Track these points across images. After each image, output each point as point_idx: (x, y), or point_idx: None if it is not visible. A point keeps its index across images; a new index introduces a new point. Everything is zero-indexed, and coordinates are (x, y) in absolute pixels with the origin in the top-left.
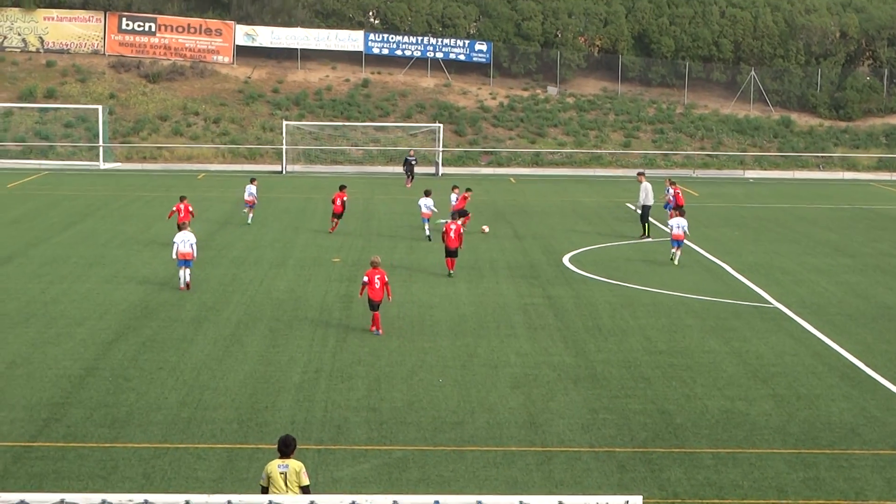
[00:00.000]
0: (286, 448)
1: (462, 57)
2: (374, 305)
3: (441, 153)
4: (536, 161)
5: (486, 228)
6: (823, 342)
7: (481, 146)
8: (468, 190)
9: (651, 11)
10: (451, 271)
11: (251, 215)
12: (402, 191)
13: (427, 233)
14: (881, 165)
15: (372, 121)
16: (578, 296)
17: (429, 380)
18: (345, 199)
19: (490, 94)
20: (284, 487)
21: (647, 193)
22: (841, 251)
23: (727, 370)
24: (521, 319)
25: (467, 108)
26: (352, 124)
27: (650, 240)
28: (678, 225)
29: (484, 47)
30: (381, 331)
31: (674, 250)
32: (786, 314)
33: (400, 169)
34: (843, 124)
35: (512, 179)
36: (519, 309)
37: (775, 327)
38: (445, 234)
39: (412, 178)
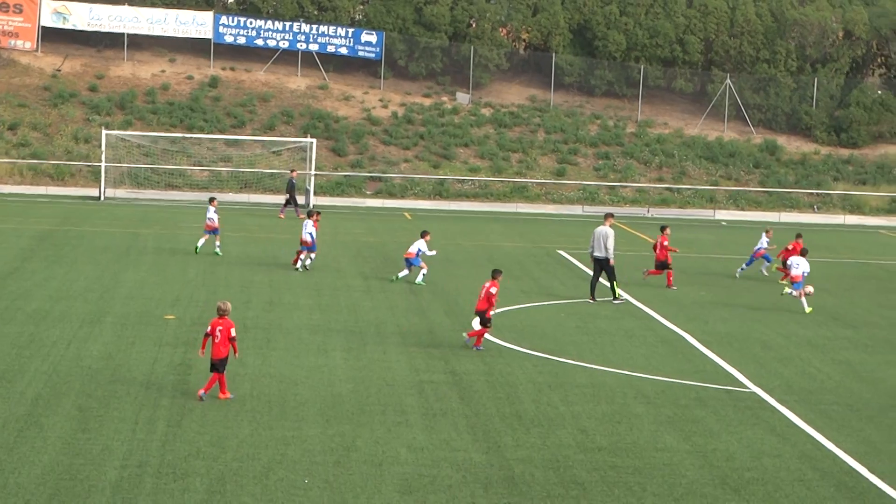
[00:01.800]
0: None
1: (344, 50)
2: (212, 365)
3: (313, 178)
4: (440, 192)
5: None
6: (815, 440)
7: (367, 170)
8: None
9: None
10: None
11: (217, 243)
12: (264, 226)
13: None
14: (894, 208)
15: (222, 133)
16: (492, 372)
17: (290, 480)
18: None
19: (380, 100)
20: None
21: (606, 240)
22: (840, 320)
23: (687, 474)
24: (416, 402)
25: (349, 118)
26: (195, 136)
27: (592, 302)
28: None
29: (373, 39)
30: (227, 394)
31: (795, 294)
32: (766, 402)
33: (268, 197)
34: (845, 152)
35: (407, 215)
36: (413, 388)
37: (752, 419)
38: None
39: (295, 205)
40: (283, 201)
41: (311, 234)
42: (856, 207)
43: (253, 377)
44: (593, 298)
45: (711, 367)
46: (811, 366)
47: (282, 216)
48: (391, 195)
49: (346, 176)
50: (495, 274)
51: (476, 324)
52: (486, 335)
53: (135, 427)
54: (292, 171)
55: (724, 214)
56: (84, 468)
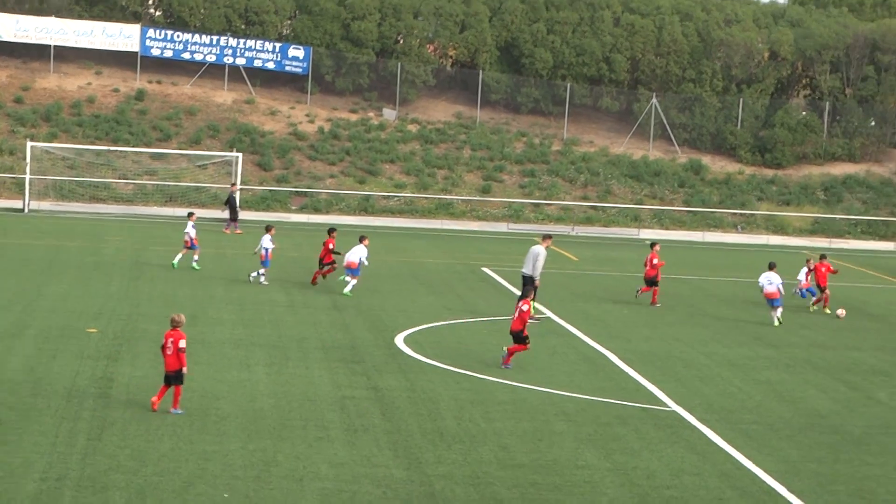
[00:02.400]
0: None
1: (271, 65)
2: (166, 378)
3: (238, 192)
4: (366, 207)
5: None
6: (734, 459)
7: (293, 185)
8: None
9: (523, 15)
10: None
11: (196, 258)
12: (181, 241)
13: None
14: (817, 229)
15: (147, 146)
16: (414, 388)
17: (210, 495)
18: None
19: (307, 115)
20: None
21: (536, 260)
22: (761, 340)
23: (607, 492)
24: (338, 418)
25: (276, 133)
26: (120, 149)
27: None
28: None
29: (300, 53)
30: (178, 409)
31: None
32: (687, 421)
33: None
34: (769, 172)
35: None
36: (335, 403)
37: (672, 437)
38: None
39: (233, 220)
40: (227, 216)
41: (265, 248)
42: (779, 228)
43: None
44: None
45: (633, 385)
46: (732, 385)
47: (227, 231)
48: (316, 210)
49: (271, 191)
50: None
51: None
52: (408, 351)
53: (55, 440)
54: (233, 185)
55: (648, 233)
56: (2, 481)
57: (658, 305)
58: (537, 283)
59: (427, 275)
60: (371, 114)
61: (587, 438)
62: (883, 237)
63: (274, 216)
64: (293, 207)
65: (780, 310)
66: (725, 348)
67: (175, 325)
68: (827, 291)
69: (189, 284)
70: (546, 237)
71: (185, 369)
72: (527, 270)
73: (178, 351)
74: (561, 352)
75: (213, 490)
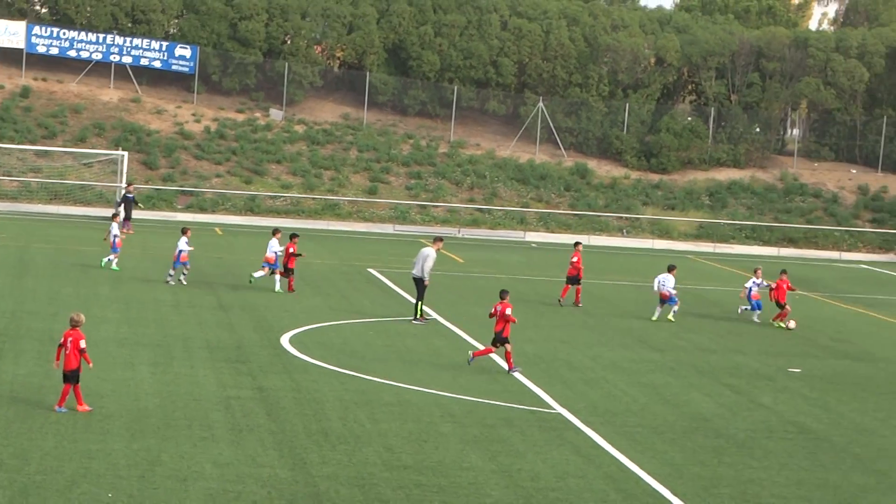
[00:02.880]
0: None
1: (157, 64)
2: (64, 376)
3: (124, 190)
4: (252, 207)
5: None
6: (619, 461)
7: (178, 184)
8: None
9: (411, 17)
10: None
11: (114, 259)
12: (66, 238)
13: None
14: (702, 233)
15: (32, 143)
16: (300, 388)
17: (94, 494)
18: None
19: (193, 115)
20: None
21: (426, 261)
22: (647, 343)
23: (492, 494)
24: (223, 417)
25: (162, 132)
26: (4, 146)
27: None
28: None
29: (187, 53)
30: (84, 406)
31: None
32: (571, 423)
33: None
34: (655, 177)
35: (218, 230)
36: (220, 403)
37: (557, 440)
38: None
39: (127, 219)
40: (126, 216)
41: (181, 250)
42: (664, 232)
43: (57, 390)
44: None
45: (518, 387)
46: (617, 388)
47: (131, 231)
48: (202, 210)
49: (157, 189)
50: (504, 295)
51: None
52: (293, 351)
53: None
54: (128, 184)
55: (533, 236)
56: None
57: (581, 305)
58: (426, 282)
59: (313, 275)
60: (258, 114)
61: (472, 440)
62: (766, 242)
63: (160, 215)
64: (179, 206)
65: (675, 308)
66: (610, 351)
67: (74, 324)
68: (787, 307)
69: (74, 283)
70: (437, 239)
71: (91, 365)
72: (416, 272)
73: (80, 351)
74: (446, 353)
75: (97, 489)
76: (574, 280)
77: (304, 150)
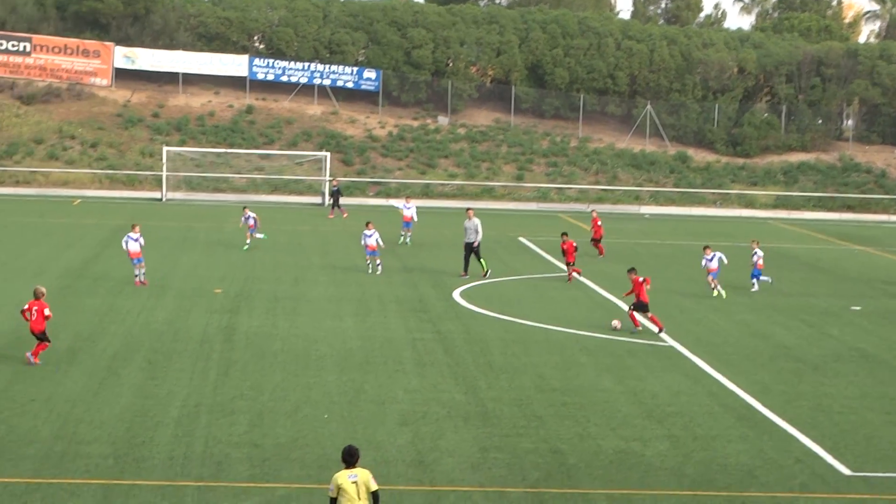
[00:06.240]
0: (351, 458)
1: (350, 84)
2: (36, 336)
3: (328, 183)
4: (427, 193)
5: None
6: (719, 382)
7: (369, 176)
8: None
9: (545, 42)
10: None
11: (249, 240)
12: (292, 220)
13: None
14: (778, 203)
15: (256, 148)
16: (469, 331)
17: (314, 416)
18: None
19: (379, 122)
20: (357, 497)
21: (476, 231)
22: (737, 289)
23: (621, 409)
24: (410, 355)
25: (355, 136)
26: (235, 151)
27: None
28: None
29: (373, 75)
30: (36, 360)
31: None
32: (681, 353)
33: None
34: (740, 161)
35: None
36: (407, 344)
37: (670, 366)
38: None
39: (338, 207)
40: (333, 204)
41: (377, 240)
42: (749, 203)
43: (283, 336)
44: (466, 273)
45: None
46: (716, 325)
47: (331, 216)
48: (388, 196)
49: (352, 181)
50: (632, 273)
51: (639, 317)
52: (463, 303)
53: (192, 375)
54: (333, 179)
55: (647, 209)
56: (153, 407)
57: (603, 256)
58: (476, 243)
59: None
60: (429, 121)
61: (605, 368)
62: (830, 209)
63: (355, 200)
64: (370, 194)
65: (758, 283)
66: (709, 297)
67: (38, 296)
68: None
69: (292, 254)
70: (469, 209)
71: (47, 333)
72: (470, 239)
73: (44, 317)
74: (581, 301)
75: (315, 412)
76: (597, 241)
77: (465, 147)
